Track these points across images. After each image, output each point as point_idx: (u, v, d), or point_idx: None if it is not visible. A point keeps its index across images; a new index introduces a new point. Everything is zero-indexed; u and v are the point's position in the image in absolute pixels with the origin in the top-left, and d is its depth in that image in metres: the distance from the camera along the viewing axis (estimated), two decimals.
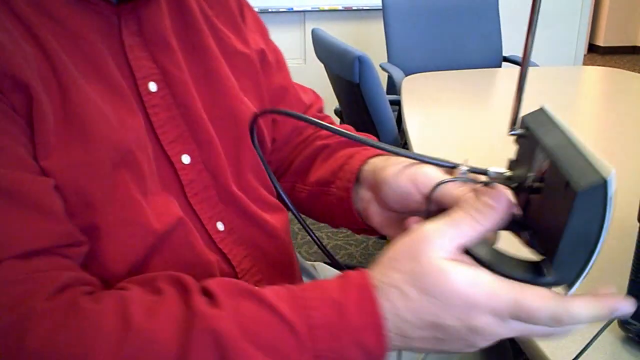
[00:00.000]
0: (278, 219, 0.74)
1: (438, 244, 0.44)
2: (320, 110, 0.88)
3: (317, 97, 0.89)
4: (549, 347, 0.66)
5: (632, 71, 6.29)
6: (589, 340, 0.62)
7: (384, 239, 2.12)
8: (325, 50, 1.73)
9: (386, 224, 0.63)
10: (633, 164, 1.23)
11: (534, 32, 0.48)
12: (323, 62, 1.81)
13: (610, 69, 2.27)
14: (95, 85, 0.58)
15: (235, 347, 0.44)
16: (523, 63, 0.47)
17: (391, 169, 0.57)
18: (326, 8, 3.41)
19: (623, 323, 0.65)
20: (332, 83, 1.86)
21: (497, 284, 0.43)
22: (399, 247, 0.46)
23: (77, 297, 0.47)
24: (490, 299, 0.43)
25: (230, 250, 0.68)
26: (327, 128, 0.56)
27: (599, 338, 0.62)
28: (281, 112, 0.67)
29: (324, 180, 0.73)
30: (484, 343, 0.45)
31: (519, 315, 0.43)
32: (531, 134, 0.49)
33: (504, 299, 0.43)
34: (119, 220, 0.56)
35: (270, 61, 0.82)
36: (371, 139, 0.57)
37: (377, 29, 2.64)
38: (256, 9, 0.85)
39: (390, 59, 2.52)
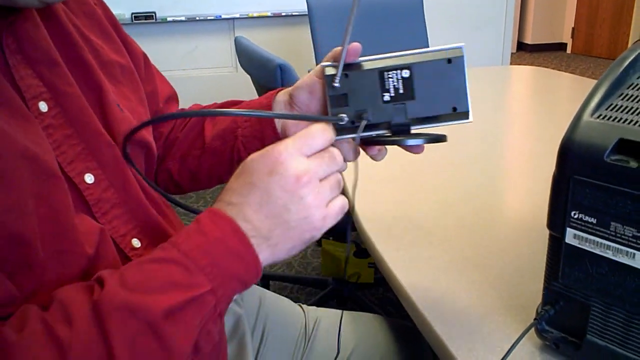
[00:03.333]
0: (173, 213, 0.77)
1: (250, 156, 0.57)
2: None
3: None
4: (469, 359, 0.64)
5: (559, 67, 6.45)
6: (507, 349, 0.61)
7: (320, 246, 2.10)
8: (248, 59, 1.69)
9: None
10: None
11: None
12: (247, 72, 1.77)
13: (536, 67, 2.31)
14: (1, 113, 0.54)
15: (133, 302, 0.50)
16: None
17: (301, 80, 0.72)
18: (255, 15, 3.38)
19: (540, 331, 0.64)
20: (257, 92, 1.82)
21: (279, 142, 0.56)
22: None
23: (1, 332, 0.47)
24: (278, 146, 0.55)
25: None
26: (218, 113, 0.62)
27: (517, 347, 0.61)
28: (156, 120, 0.63)
29: (223, 132, 0.81)
30: (306, 189, 0.55)
31: (305, 142, 0.56)
32: (360, 73, 0.66)
33: (288, 141, 0.56)
34: (52, 253, 0.54)
35: (151, 65, 0.84)
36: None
37: (306, 34, 2.62)
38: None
39: (318, 64, 2.50)
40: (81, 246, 0.57)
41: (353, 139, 0.66)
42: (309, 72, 0.71)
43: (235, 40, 1.84)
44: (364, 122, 0.66)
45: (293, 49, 3.46)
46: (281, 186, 0.54)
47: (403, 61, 0.66)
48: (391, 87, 0.66)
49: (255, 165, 0.55)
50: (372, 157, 0.70)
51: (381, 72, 0.66)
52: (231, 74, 3.48)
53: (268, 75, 1.50)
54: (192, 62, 3.43)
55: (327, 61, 0.68)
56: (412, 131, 0.68)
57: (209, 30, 3.40)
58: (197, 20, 3.31)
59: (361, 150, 0.69)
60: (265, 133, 0.77)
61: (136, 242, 0.65)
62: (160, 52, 3.30)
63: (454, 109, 0.67)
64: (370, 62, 0.67)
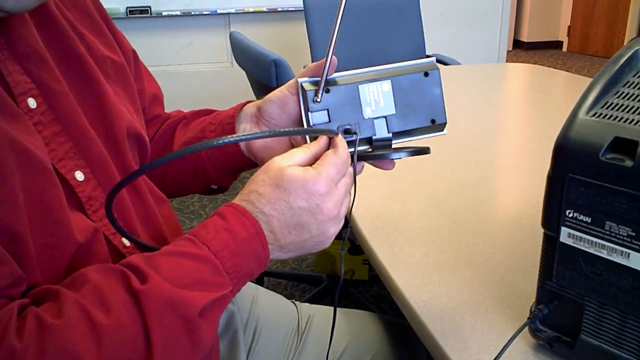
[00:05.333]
0: (168, 209, 0.76)
1: (279, 159, 0.60)
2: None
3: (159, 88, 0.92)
4: (462, 359, 0.64)
5: (555, 65, 6.47)
6: (500, 348, 0.60)
7: None
8: (243, 54, 1.68)
9: (264, 145, 0.75)
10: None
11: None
12: (242, 67, 1.76)
13: (532, 65, 2.31)
14: None
15: (176, 297, 0.51)
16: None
17: (271, 94, 0.72)
18: (250, 10, 3.36)
19: (534, 330, 0.64)
20: (252, 88, 1.81)
21: (316, 168, 0.59)
22: (255, 174, 0.60)
23: (40, 316, 0.48)
24: (317, 171, 0.59)
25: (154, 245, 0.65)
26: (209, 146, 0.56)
27: (510, 346, 0.61)
28: (152, 165, 0.55)
29: (190, 141, 0.81)
30: (331, 222, 0.60)
31: (340, 169, 0.60)
32: (340, 88, 0.66)
33: (329, 171, 0.59)
34: (43, 247, 0.54)
35: (140, 63, 0.82)
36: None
37: (303, 30, 2.61)
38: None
39: (314, 60, 2.49)
40: (73, 241, 0.56)
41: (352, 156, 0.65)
42: (304, 67, 0.70)
43: (230, 36, 1.83)
44: (357, 138, 0.66)
45: (289, 44, 3.45)
46: (314, 215, 0.58)
47: (382, 75, 0.67)
48: (372, 101, 0.66)
49: (293, 186, 0.58)
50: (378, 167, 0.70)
51: (362, 87, 0.66)
52: (227, 69, 3.47)
53: (263, 70, 1.49)
54: (187, 57, 3.42)
55: (302, 77, 0.67)
56: (393, 145, 0.68)
57: (205, 25, 3.38)
58: (193, 15, 3.29)
59: None
60: (227, 146, 0.77)
61: (126, 241, 0.65)
62: (155, 47, 3.29)
63: (433, 121, 0.67)
64: (349, 77, 0.67)
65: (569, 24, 7.04)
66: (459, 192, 1.07)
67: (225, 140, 0.54)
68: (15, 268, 0.50)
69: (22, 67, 0.59)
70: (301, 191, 0.58)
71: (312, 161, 0.61)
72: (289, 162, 0.60)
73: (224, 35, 3.42)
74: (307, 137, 0.66)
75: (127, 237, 0.62)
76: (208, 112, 0.85)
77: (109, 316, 0.49)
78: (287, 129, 0.61)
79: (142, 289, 0.51)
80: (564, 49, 7.18)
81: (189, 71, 3.43)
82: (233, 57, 3.16)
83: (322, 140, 0.63)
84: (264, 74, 1.48)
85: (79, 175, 0.61)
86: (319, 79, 0.65)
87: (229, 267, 0.55)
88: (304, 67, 0.68)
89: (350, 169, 0.63)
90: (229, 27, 3.41)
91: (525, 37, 7.26)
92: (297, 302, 1.01)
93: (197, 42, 3.41)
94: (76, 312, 0.49)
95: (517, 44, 7.38)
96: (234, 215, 0.57)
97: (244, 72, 1.86)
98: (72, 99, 0.63)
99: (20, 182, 0.52)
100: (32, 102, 0.58)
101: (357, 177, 0.66)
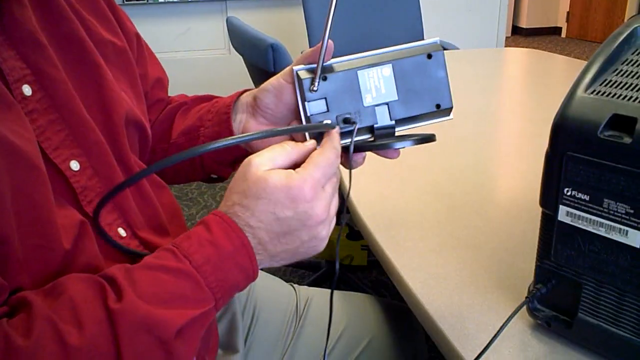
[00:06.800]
0: (167, 195, 0.75)
1: (257, 162, 0.55)
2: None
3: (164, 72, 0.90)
4: (459, 338, 0.64)
5: (554, 51, 6.47)
6: (498, 328, 0.60)
7: None
8: (240, 39, 1.67)
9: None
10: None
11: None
12: (239, 52, 1.76)
13: (531, 50, 2.30)
14: None
15: (150, 317, 0.49)
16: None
17: (266, 82, 0.69)
18: None
19: (532, 310, 0.64)
20: (250, 73, 1.80)
21: (300, 172, 0.55)
22: (233, 180, 0.57)
23: (8, 336, 0.46)
24: (301, 175, 0.55)
25: (141, 251, 0.64)
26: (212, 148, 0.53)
27: (508, 326, 0.61)
28: (151, 170, 0.54)
29: (189, 129, 0.80)
30: (322, 226, 0.57)
31: (325, 171, 0.56)
32: (338, 75, 0.63)
33: (313, 174, 0.55)
34: (29, 248, 0.52)
35: (144, 46, 0.81)
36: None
37: (300, 16, 2.59)
38: None
39: (311, 46, 2.47)
40: (58, 241, 0.54)
41: (347, 149, 0.62)
42: (302, 52, 0.69)
43: (227, 21, 1.82)
44: (355, 127, 0.62)
45: (286, 30, 3.43)
46: (302, 222, 0.56)
47: (382, 59, 0.63)
48: (372, 87, 0.63)
49: (277, 197, 0.54)
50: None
51: (361, 73, 0.63)
52: (224, 56, 3.45)
53: (260, 55, 1.49)
54: (184, 44, 3.40)
55: (298, 64, 0.64)
56: (396, 133, 0.65)
57: (202, 11, 3.36)
58: (189, 1, 3.28)
59: None
60: (222, 136, 0.75)
61: (122, 232, 0.64)
62: (151, 34, 3.27)
63: (438, 106, 0.64)
64: (347, 63, 0.63)
65: (567, 10, 7.01)
66: (457, 176, 1.06)
67: (218, 144, 0.52)
68: None
69: (17, 52, 0.57)
70: (286, 201, 0.54)
71: (297, 159, 0.58)
72: (269, 165, 0.56)
73: (221, 22, 3.40)
74: (307, 133, 0.63)
75: (112, 244, 0.60)
76: (209, 98, 0.83)
77: (81, 335, 0.47)
78: (281, 129, 0.57)
79: (116, 308, 0.49)
80: (563, 35, 7.15)
81: (186, 58, 3.42)
82: (230, 43, 3.14)
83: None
84: (262, 59, 1.48)
85: (74, 165, 0.60)
86: (315, 65, 0.62)
87: (212, 282, 0.53)
88: (302, 53, 0.66)
89: (338, 173, 0.60)
90: (226, 14, 3.39)
91: (524, 23, 7.23)
92: (295, 285, 1.01)
93: (194, 29, 3.39)
94: (46, 331, 0.47)
95: (516, 30, 7.36)
96: (219, 226, 0.55)
97: (241, 59, 1.85)
98: (69, 85, 0.61)
99: (8, 182, 0.50)
100: (27, 90, 0.57)
101: (359, 166, 0.63)
